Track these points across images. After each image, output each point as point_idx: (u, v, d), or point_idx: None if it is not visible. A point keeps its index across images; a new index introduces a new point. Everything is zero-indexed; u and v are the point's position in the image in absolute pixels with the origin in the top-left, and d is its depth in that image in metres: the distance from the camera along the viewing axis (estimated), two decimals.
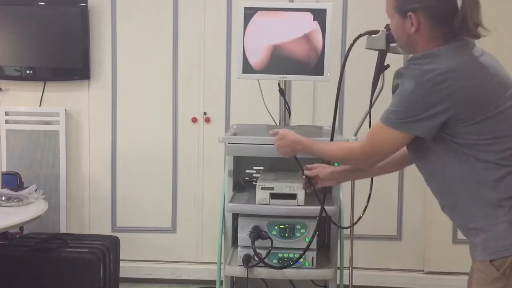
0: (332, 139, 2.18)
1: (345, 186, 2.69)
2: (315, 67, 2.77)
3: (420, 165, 1.83)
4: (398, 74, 1.71)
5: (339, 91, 2.12)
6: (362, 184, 2.73)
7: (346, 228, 2.60)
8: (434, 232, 3.74)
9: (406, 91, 1.65)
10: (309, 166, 2.23)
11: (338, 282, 2.67)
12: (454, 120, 1.63)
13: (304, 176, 2.25)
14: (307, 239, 2.42)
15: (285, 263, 2.44)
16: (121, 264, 3.53)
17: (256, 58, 2.78)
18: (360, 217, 2.41)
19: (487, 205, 1.65)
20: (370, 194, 2.29)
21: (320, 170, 2.20)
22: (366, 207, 2.38)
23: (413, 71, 1.66)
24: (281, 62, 2.78)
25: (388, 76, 2.11)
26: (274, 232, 2.46)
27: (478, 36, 1.69)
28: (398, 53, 2.10)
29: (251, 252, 2.42)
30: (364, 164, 1.93)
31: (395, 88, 1.73)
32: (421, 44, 1.73)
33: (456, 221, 1.78)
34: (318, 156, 2.06)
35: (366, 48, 2.06)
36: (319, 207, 2.30)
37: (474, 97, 1.62)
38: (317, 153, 2.03)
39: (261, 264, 2.41)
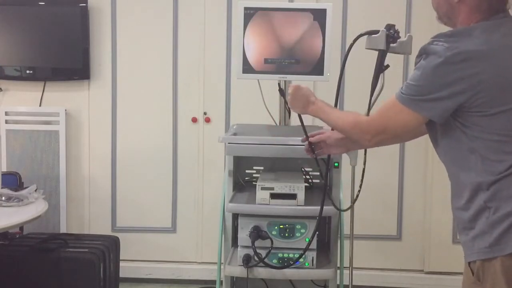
0: None
1: (345, 186, 2.69)
2: (315, 67, 2.77)
3: (434, 147, 1.72)
4: (421, 50, 1.59)
5: (339, 91, 2.11)
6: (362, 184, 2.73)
7: (345, 210, 2.51)
8: (434, 232, 3.74)
9: (424, 66, 1.55)
10: (315, 132, 2.12)
11: (338, 282, 2.67)
12: (469, 107, 1.53)
13: (307, 142, 2.13)
14: (307, 239, 2.42)
15: (285, 263, 2.44)
16: (121, 264, 3.53)
17: (256, 58, 2.78)
18: (357, 196, 2.41)
19: (477, 206, 1.56)
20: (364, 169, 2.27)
21: (329, 135, 2.07)
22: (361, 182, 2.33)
23: (435, 47, 1.54)
24: (281, 62, 2.78)
25: (388, 76, 2.11)
26: (274, 232, 2.46)
27: None
28: (398, 53, 2.10)
29: (251, 252, 2.42)
30: (367, 141, 1.74)
31: (416, 65, 1.62)
32: (463, 16, 1.60)
33: (455, 219, 1.70)
34: (325, 121, 1.93)
35: (366, 48, 2.06)
36: (319, 207, 2.30)
37: (497, 84, 1.50)
38: (325, 116, 1.90)
39: (261, 264, 2.41)
